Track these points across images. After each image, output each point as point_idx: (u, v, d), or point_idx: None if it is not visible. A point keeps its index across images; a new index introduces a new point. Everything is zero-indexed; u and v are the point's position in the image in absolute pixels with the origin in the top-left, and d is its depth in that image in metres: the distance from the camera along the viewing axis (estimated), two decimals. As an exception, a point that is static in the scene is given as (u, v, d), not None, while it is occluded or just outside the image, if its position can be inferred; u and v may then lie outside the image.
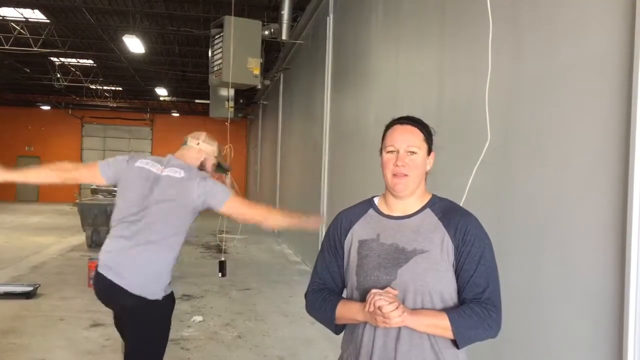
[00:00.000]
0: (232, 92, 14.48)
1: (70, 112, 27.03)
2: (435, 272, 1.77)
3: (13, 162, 27.69)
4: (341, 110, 8.56)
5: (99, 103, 25.89)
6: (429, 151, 1.88)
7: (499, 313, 1.76)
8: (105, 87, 23.01)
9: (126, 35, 12.69)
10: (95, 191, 23.58)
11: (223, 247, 12.45)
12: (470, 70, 3.97)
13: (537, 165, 3.16)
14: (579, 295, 2.76)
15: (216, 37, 10.00)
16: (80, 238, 12.71)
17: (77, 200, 12.80)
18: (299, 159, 12.62)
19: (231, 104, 15.47)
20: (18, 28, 13.40)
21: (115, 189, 3.35)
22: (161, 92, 22.13)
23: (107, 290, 3.06)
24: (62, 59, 17.65)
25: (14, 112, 27.14)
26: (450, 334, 1.72)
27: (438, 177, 2.57)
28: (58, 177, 3.21)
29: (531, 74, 3.26)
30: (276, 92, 16.90)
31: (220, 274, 5.12)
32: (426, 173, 1.89)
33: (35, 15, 12.65)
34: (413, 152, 1.83)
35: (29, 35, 13.80)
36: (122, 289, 2.97)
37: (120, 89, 23.65)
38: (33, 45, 14.42)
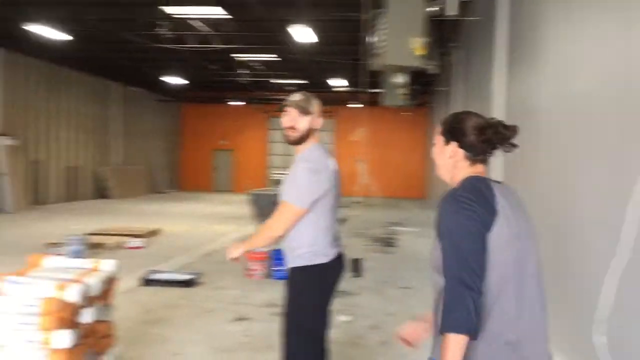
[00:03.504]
0: (404, 77, 13.86)
1: (258, 107, 28.39)
2: (436, 250, 1.99)
3: (210, 155, 29.91)
4: (512, 89, 7.50)
5: (283, 97, 26.73)
6: (447, 142, 2.12)
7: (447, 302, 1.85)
8: (287, 81, 23.64)
9: (296, 25, 12.65)
10: (277, 182, 24.53)
11: (391, 240, 11.92)
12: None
13: None
14: None
15: (378, 17, 9.43)
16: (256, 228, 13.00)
17: (248, 191, 13.06)
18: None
19: (404, 90, 14.86)
20: (200, 26, 14.05)
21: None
22: (338, 83, 22.15)
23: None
24: (245, 55, 18.36)
25: (209, 109, 29.21)
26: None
27: None
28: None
29: None
30: (453, 75, 15.88)
31: (353, 274, 4.55)
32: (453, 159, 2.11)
33: (215, 11, 13.09)
34: (433, 144, 2.19)
35: (210, 32, 14.42)
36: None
37: (302, 82, 24.13)
38: (215, 43, 15.09)
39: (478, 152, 2.08)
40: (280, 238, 3.22)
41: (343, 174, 3.50)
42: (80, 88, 21.31)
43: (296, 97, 3.30)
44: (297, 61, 18.70)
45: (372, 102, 23.00)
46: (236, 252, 3.29)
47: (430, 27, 9.60)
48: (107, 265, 4.02)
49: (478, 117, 2.11)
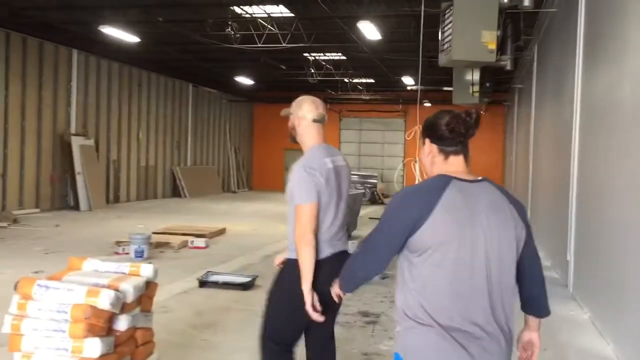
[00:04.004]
0: (475, 74, 13.25)
1: (328, 107, 28.20)
2: None
3: (281, 154, 30.01)
4: (593, 83, 6.88)
5: (353, 96, 26.50)
6: (424, 140, 2.27)
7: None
8: (357, 80, 23.35)
9: (361, 21, 12.34)
10: (347, 182, 24.27)
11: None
12: None
13: None
14: None
15: (446, 11, 8.97)
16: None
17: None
18: (549, 145, 10.90)
19: (475, 88, 14.21)
20: (266, 25, 13.99)
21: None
22: (408, 81, 21.62)
23: None
24: (314, 54, 18.21)
25: (281, 109, 29.00)
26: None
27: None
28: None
29: None
30: (529, 72, 15.09)
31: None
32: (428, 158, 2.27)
33: (280, 9, 12.98)
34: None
35: (277, 32, 14.33)
36: None
37: (372, 80, 23.77)
38: (282, 41, 14.99)
39: (448, 143, 2.20)
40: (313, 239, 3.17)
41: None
42: (153, 89, 21.81)
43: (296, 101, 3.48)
44: (364, 59, 18.37)
45: (444, 100, 22.30)
46: (306, 291, 3.13)
47: (503, 20, 9.06)
48: (146, 270, 3.86)
49: (448, 113, 2.21)
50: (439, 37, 9.52)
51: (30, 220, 13.95)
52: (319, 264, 3.14)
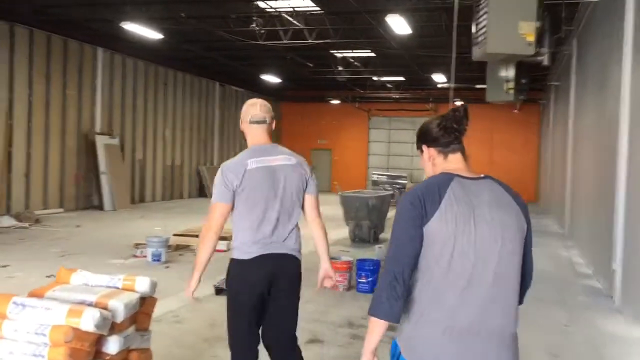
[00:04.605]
0: (510, 69, 12.60)
1: (357, 106, 27.67)
2: None
3: (307, 154, 29.58)
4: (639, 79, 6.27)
5: (382, 95, 25.93)
6: (421, 148, 2.31)
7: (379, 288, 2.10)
8: (386, 78, 22.78)
9: (390, 15, 11.81)
10: (376, 182, 23.67)
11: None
12: None
13: None
14: None
15: (481, 1, 8.39)
16: (347, 231, 12.27)
17: (338, 192, 12.35)
18: (590, 144, 10.23)
19: (510, 84, 13.54)
20: (292, 20, 13.55)
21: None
22: (439, 78, 20.95)
23: None
24: (341, 51, 17.71)
25: (308, 108, 28.85)
26: None
27: None
28: (216, 240, 3.39)
29: None
30: (567, 67, 14.36)
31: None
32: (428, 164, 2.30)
33: (306, 4, 12.53)
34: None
35: (303, 27, 13.89)
36: None
37: (402, 79, 23.16)
38: (308, 37, 14.55)
39: (443, 142, 2.22)
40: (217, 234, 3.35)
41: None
42: (179, 87, 21.58)
43: None
44: (393, 56, 17.82)
45: (477, 99, 21.59)
46: (193, 280, 3.40)
47: (543, 10, 8.44)
48: (141, 284, 3.42)
49: (438, 118, 2.26)
50: (473, 30, 8.96)
51: (53, 221, 13.75)
52: (246, 264, 3.25)
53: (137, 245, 9.76)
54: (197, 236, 11.17)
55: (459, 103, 16.20)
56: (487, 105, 19.51)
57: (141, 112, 19.37)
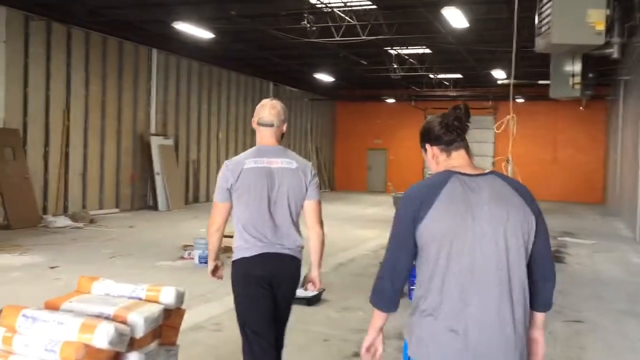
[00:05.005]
0: (577, 64, 11.84)
1: (412, 104, 27.02)
2: None
3: (364, 154, 29.16)
4: None
5: (439, 93, 25.19)
6: (425, 147, 2.36)
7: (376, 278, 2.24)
8: (442, 76, 22.08)
9: (446, 7, 11.27)
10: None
11: (559, 255, 10.10)
12: None
13: None
14: None
15: (544, -12, 7.81)
16: (400, 234, 11.82)
17: (391, 192, 11.91)
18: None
19: (576, 79, 12.76)
20: (344, 17, 13.18)
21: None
22: (498, 74, 20.07)
23: None
24: (396, 48, 17.21)
25: (363, 107, 28.37)
26: None
27: None
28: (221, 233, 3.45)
29: None
30: (633, 60, 13.45)
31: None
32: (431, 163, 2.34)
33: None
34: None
35: (356, 22, 13.49)
36: None
37: (459, 76, 22.41)
38: (362, 35, 14.14)
39: (446, 140, 2.25)
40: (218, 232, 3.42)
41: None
42: (233, 87, 21.55)
43: None
44: (450, 52, 17.20)
45: (540, 96, 20.70)
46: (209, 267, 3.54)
47: (613, -3, 7.78)
48: (167, 295, 3.15)
49: (439, 117, 2.29)
50: (536, 21, 8.38)
51: (108, 221, 13.86)
52: (247, 261, 3.30)
53: (185, 247, 9.64)
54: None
55: (520, 100, 15.49)
56: (550, 102, 18.65)
57: (195, 113, 19.42)
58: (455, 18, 11.98)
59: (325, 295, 6.80)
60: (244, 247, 3.31)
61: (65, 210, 14.10)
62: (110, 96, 15.76)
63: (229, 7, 12.72)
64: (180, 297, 3.21)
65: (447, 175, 2.16)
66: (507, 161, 6.17)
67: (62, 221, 12.79)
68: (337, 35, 14.36)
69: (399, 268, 2.16)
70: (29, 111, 13.36)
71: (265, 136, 3.43)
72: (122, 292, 3.14)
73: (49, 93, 13.88)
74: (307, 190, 3.41)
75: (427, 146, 2.31)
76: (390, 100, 26.86)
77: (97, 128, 15.43)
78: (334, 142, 30.16)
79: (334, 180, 29.76)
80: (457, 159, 2.24)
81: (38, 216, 12.79)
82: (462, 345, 2.03)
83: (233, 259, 3.36)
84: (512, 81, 13.45)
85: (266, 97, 16.27)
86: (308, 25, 13.26)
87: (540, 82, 18.89)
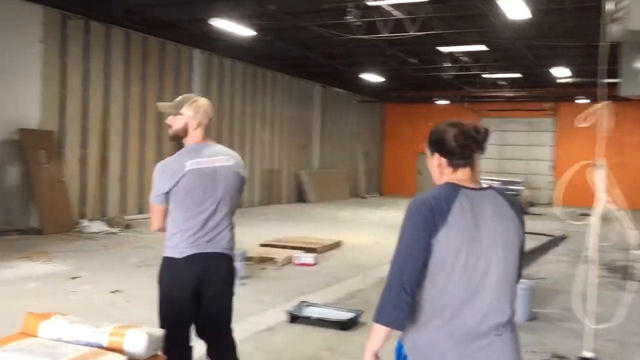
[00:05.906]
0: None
1: (466, 106, 25.79)
2: None
3: (414, 158, 28.08)
4: None
5: (493, 93, 23.91)
6: (432, 153, 2.32)
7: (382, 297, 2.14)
8: (498, 75, 20.85)
9: (503, -3, 10.26)
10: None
11: (632, 271, 8.96)
12: None
13: None
14: None
15: (619, -34, 6.77)
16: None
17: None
18: None
19: (650, 75, 11.53)
20: (390, 11, 12.31)
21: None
22: (559, 72, 18.68)
23: None
24: (448, 47, 16.20)
25: (413, 109, 27.31)
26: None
27: None
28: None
29: None
30: None
31: None
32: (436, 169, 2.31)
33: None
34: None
35: (404, 16, 12.59)
36: None
37: (517, 75, 21.10)
38: (411, 31, 13.24)
39: (458, 158, 2.25)
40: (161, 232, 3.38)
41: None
42: (278, 89, 20.96)
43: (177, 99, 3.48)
44: (506, 49, 16.08)
45: (608, 96, 19.24)
46: None
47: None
48: (132, 342, 2.40)
49: (455, 127, 2.25)
50: (608, 7, 7.35)
51: (145, 226, 13.37)
52: (176, 263, 3.25)
53: (217, 257, 8.97)
54: (284, 247, 10.26)
55: (583, 101, 13.93)
56: (620, 103, 17.22)
57: (238, 115, 18.89)
58: (514, 9, 10.93)
59: (363, 317, 5.98)
60: (177, 248, 3.26)
61: (103, 215, 13.72)
62: (151, 98, 15.33)
63: (268, 2, 12.05)
64: (153, 343, 2.45)
65: (455, 189, 2.19)
66: (596, 166, 5.19)
67: (97, 226, 12.38)
68: (384, 31, 13.53)
69: (408, 279, 2.11)
70: (67, 113, 13.03)
71: (195, 134, 3.41)
72: (77, 336, 2.42)
73: (87, 94, 13.53)
74: (242, 185, 3.49)
75: (436, 155, 2.30)
76: (442, 102, 25.73)
77: (136, 130, 15.02)
78: (383, 145, 29.23)
79: (382, 184, 28.83)
80: (462, 174, 2.26)
81: (73, 221, 12.40)
82: (464, 352, 2.09)
83: (165, 255, 3.31)
84: (574, 80, 12.28)
85: (312, 99, 15.53)
86: (354, 20, 12.43)
87: (607, 80, 17.55)
